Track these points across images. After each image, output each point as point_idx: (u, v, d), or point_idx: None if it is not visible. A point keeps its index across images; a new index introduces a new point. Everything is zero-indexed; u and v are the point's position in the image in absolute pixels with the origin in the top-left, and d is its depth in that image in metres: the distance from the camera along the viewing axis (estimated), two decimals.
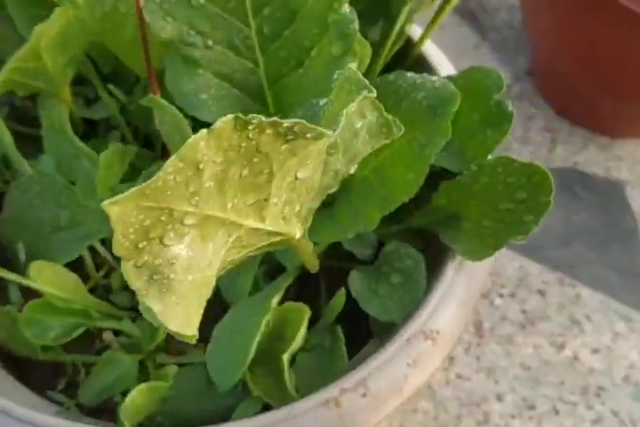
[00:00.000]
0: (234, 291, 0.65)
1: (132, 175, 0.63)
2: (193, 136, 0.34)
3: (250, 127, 0.35)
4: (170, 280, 0.37)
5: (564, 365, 0.88)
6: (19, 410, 0.55)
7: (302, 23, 0.54)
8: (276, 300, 0.60)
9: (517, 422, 0.83)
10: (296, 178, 0.41)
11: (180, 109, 0.55)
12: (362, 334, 0.65)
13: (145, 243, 0.36)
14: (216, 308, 0.61)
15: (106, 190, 0.60)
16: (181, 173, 0.34)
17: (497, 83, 0.58)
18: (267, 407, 0.59)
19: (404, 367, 0.57)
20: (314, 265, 0.63)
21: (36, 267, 0.61)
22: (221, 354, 0.61)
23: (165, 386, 0.61)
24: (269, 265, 0.67)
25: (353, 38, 0.53)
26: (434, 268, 0.62)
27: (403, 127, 0.50)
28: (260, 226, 0.42)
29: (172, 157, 0.33)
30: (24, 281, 0.61)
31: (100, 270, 0.71)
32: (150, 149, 0.69)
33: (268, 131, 0.36)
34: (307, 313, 0.60)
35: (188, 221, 0.37)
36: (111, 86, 0.65)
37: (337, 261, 0.68)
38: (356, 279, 0.63)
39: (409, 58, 0.68)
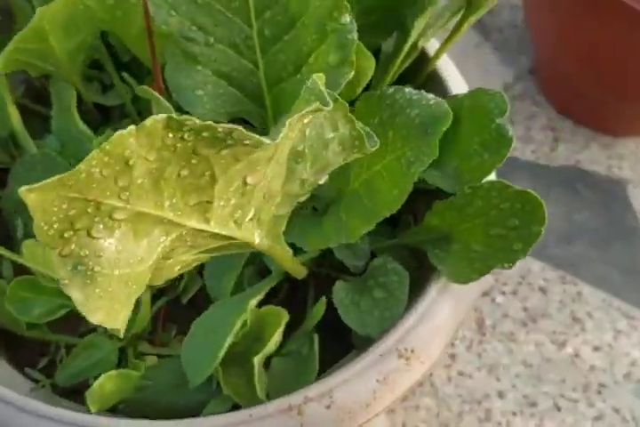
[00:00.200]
0: (218, 289, 0.65)
1: None
2: (119, 132, 0.34)
3: (184, 129, 0.35)
4: (94, 272, 0.37)
5: (566, 362, 0.88)
6: None
7: (302, 29, 0.54)
8: (254, 302, 0.59)
9: (519, 420, 0.84)
10: (245, 183, 0.41)
11: (177, 103, 0.56)
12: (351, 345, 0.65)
13: (71, 233, 0.36)
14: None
15: None
16: (108, 167, 0.35)
17: (501, 106, 0.57)
18: (237, 407, 0.59)
19: (373, 383, 0.56)
20: (298, 271, 0.62)
21: (28, 245, 0.62)
22: (195, 350, 0.61)
23: (136, 375, 0.62)
24: (259, 267, 0.67)
25: (351, 48, 0.53)
26: (420, 287, 0.61)
27: (378, 141, 0.49)
28: (205, 228, 0.42)
29: (96, 151, 0.34)
30: (14, 258, 0.62)
31: None
32: None
33: (205, 134, 0.36)
34: (284, 318, 0.60)
35: (119, 215, 0.37)
36: (125, 74, 0.66)
37: (328, 269, 0.68)
38: (340, 290, 0.63)
39: (422, 73, 0.67)
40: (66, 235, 0.36)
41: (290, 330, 0.65)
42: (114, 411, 0.64)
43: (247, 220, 0.45)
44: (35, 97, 0.72)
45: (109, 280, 0.38)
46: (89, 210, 0.36)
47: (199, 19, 0.54)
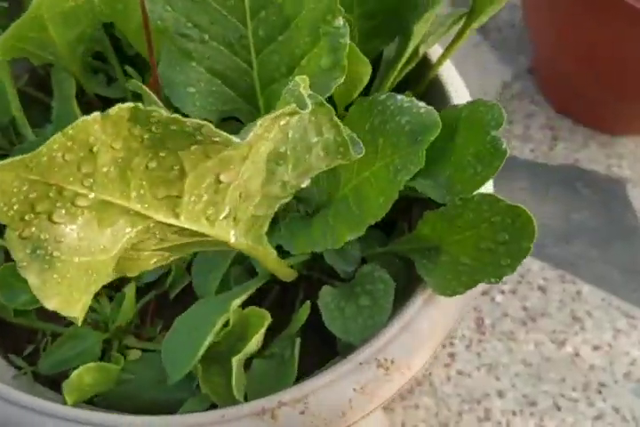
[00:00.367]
0: (204, 287, 0.65)
1: None
2: (83, 117, 0.34)
3: (151, 120, 0.35)
4: (53, 258, 0.37)
5: (566, 361, 0.88)
6: None
7: (296, 31, 0.53)
8: (237, 302, 0.59)
9: (519, 419, 0.84)
10: (219, 181, 0.41)
11: (168, 99, 0.56)
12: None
13: (32, 216, 0.36)
14: None
15: None
16: (71, 152, 0.34)
17: (497, 119, 0.56)
18: (216, 407, 0.59)
19: (350, 392, 0.55)
20: (286, 274, 0.62)
21: None
22: (175, 346, 0.61)
23: (116, 369, 0.62)
24: (247, 267, 0.66)
25: (342, 52, 0.52)
26: (407, 297, 0.60)
27: (364, 149, 0.49)
28: (174, 222, 0.42)
29: (58, 134, 0.34)
30: (3, 244, 0.62)
31: None
32: None
33: (173, 127, 0.36)
34: (267, 319, 0.60)
35: (82, 202, 0.37)
36: (129, 68, 0.67)
37: (318, 273, 0.68)
38: (326, 295, 0.63)
39: (424, 79, 0.67)
40: (26, 217, 0.36)
41: (277, 332, 0.65)
42: (93, 403, 0.63)
43: (221, 218, 0.45)
44: (38, 85, 0.73)
45: (68, 267, 0.38)
46: (50, 194, 0.36)
47: (195, 16, 0.54)
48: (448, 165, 0.58)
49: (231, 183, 0.42)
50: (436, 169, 0.59)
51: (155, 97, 0.52)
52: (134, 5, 0.57)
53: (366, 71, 0.57)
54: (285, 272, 0.62)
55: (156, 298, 0.69)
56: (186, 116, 0.58)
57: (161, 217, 0.41)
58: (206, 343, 0.56)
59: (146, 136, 0.36)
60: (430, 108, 0.54)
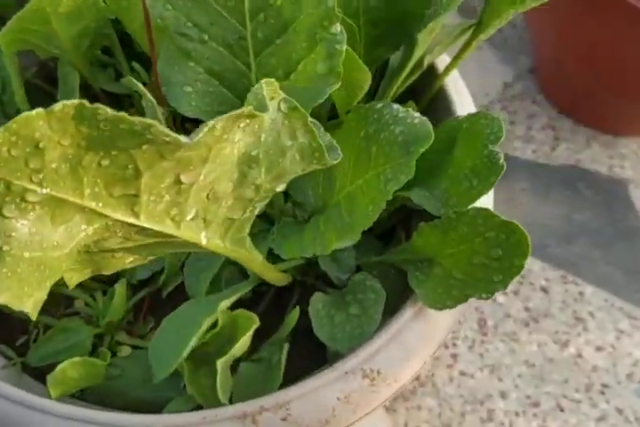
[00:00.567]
0: (195, 288, 0.65)
1: None
2: (26, 113, 0.33)
3: (98, 118, 0.35)
4: (3, 252, 0.37)
5: (568, 362, 0.87)
6: None
7: (293, 35, 0.53)
8: (226, 303, 0.59)
9: (521, 420, 0.84)
10: (179, 182, 0.41)
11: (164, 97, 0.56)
12: None
13: None
14: None
15: None
16: (17, 147, 0.34)
17: (496, 133, 0.55)
18: (201, 408, 0.58)
19: (334, 401, 0.55)
20: (276, 278, 0.62)
21: None
22: (162, 345, 0.61)
23: (102, 364, 0.62)
24: (241, 269, 0.66)
25: (339, 59, 0.52)
26: (397, 308, 0.59)
27: (342, 155, 0.48)
28: (134, 221, 0.41)
29: (1, 129, 0.33)
30: None
31: None
32: None
33: (122, 126, 0.35)
34: (254, 322, 0.59)
35: (32, 197, 0.37)
36: (135, 64, 0.67)
37: (312, 279, 0.67)
38: (317, 301, 0.62)
39: (430, 89, 0.66)
40: None
41: (269, 336, 0.65)
42: (80, 398, 0.64)
43: (188, 219, 0.44)
44: (46, 77, 0.73)
45: (18, 261, 0.38)
46: None
47: (195, 15, 0.54)
48: (445, 177, 0.57)
49: (193, 184, 0.42)
50: (433, 181, 0.58)
51: (150, 95, 0.52)
52: (137, 2, 0.57)
53: (365, 78, 0.56)
54: (276, 276, 0.61)
55: (150, 296, 0.69)
56: (182, 115, 0.58)
57: (119, 216, 0.40)
58: (191, 344, 0.56)
59: (94, 134, 0.36)
60: (424, 118, 0.52)
